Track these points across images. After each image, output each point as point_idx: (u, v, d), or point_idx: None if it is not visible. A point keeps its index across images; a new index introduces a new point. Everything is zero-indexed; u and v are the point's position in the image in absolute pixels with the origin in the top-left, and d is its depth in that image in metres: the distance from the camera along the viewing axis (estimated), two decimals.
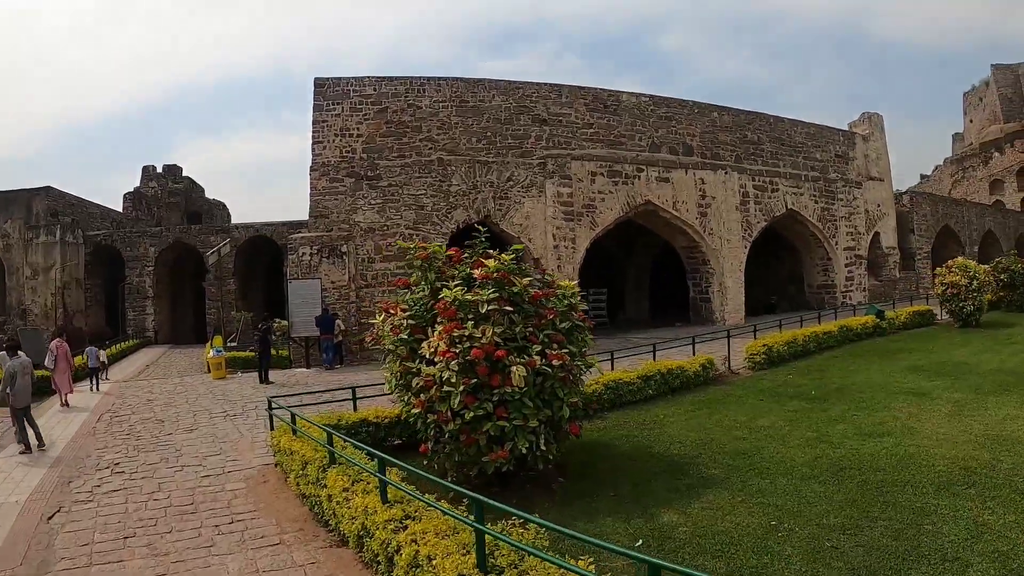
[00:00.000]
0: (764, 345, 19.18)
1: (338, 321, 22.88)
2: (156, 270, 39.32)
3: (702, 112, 32.35)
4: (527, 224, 26.32)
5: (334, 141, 25.18)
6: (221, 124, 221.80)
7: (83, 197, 47.12)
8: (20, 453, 12.45)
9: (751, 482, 9.18)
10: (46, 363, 17.46)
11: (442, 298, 9.40)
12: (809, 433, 11.52)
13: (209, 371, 23.06)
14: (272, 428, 11.68)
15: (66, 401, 17.44)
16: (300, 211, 43.78)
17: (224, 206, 53.48)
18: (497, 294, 9.19)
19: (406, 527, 6.54)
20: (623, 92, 29.97)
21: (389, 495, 7.27)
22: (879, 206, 40.57)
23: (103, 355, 23.36)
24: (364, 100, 25.61)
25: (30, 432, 12.85)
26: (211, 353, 22.51)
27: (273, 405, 12.07)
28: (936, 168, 76.35)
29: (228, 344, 27.75)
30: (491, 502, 5.74)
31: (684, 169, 30.36)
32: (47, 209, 41.74)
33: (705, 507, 8.36)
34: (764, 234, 34.43)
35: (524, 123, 27.13)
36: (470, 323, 9.08)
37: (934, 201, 49.62)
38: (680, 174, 30.13)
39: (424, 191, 25.28)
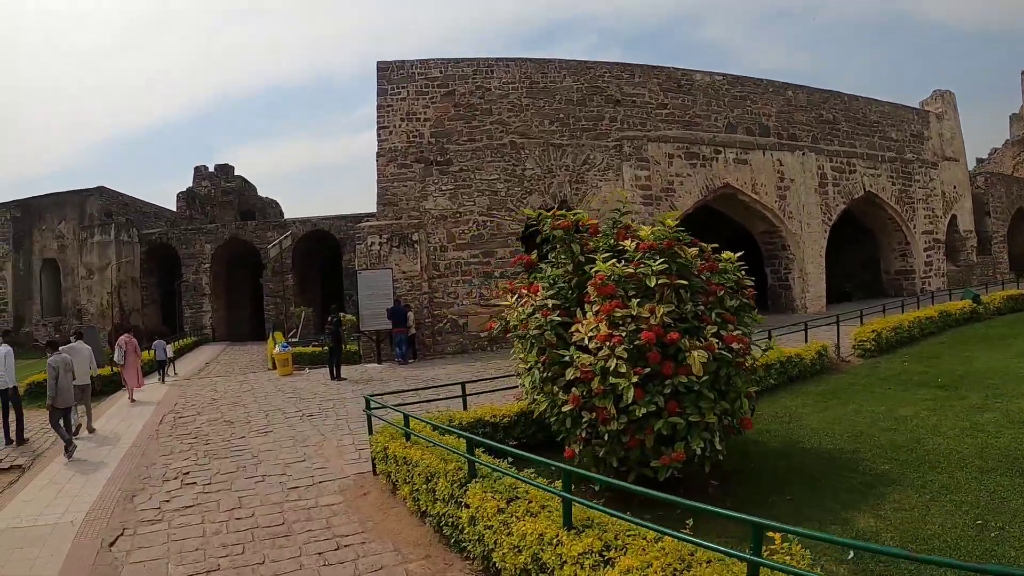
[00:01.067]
0: (873, 331, 17.48)
1: (410, 313, 21.43)
2: (212, 267, 38.30)
3: (777, 91, 30.28)
4: (604, 210, 24.51)
5: (400, 126, 23.67)
6: (265, 130, 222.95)
7: (137, 197, 46.47)
8: (67, 455, 11.43)
9: (928, 477, 8.05)
10: (115, 358, 17.76)
11: (597, 272, 7.80)
12: (960, 423, 10.26)
13: (274, 367, 21.80)
14: (371, 431, 9.85)
15: (133, 396, 17.25)
16: (351, 208, 42.48)
17: (276, 204, 52.43)
18: (666, 266, 7.57)
19: (611, 562, 4.81)
20: (696, 71, 28.02)
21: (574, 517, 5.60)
22: (955, 188, 38.05)
23: (170, 349, 23.44)
24: (430, 83, 24.05)
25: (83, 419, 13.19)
26: (276, 349, 21.16)
27: (372, 404, 10.20)
28: (995, 151, 72.87)
29: (289, 340, 26.52)
30: (772, 523, 4.15)
31: (761, 150, 28.31)
32: (101, 209, 41.04)
33: (896, 508, 7.22)
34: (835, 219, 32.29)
35: (597, 104, 25.37)
36: (634, 301, 7.48)
37: (1008, 182, 46.71)
38: (758, 155, 28.13)
39: (497, 176, 23.68)
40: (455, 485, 6.91)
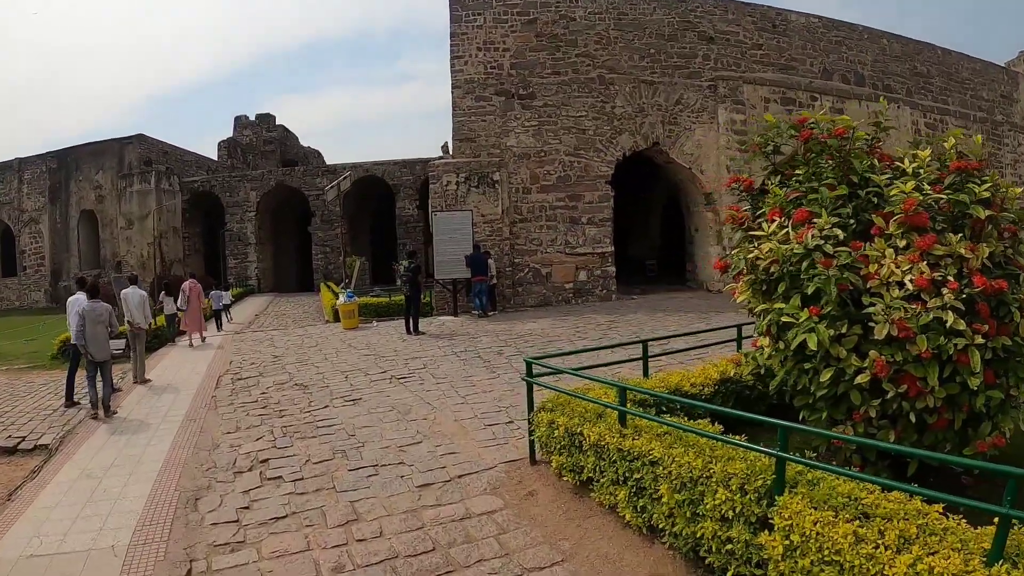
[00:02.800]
0: None
1: (490, 261, 19.01)
2: (258, 216, 35.93)
3: (872, 38, 27.14)
4: (698, 154, 21.93)
5: (476, 56, 20.97)
6: (302, 85, 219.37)
7: (177, 145, 44.19)
8: (92, 418, 9.80)
9: None
10: (178, 304, 17.35)
11: (900, 197, 5.28)
12: None
13: (335, 320, 19.50)
14: (531, 407, 6.94)
15: (192, 342, 16.98)
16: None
17: (319, 154, 49.85)
18: (990, 194, 5.08)
19: None
20: (791, 11, 25.00)
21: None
22: None
23: (227, 296, 24.04)
24: (509, 10, 21.22)
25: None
26: (341, 299, 18.72)
27: (535, 369, 7.13)
28: None
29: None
30: None
31: (857, 100, 25.21)
32: (140, 158, 38.69)
33: None
34: None
35: (690, 40, 22.51)
36: (953, 236, 4.99)
37: None
38: (853, 105, 25.10)
39: (585, 113, 20.99)
40: (750, 497, 4.25)
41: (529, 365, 7.06)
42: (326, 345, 15.29)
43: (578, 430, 6.01)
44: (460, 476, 6.78)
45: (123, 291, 12.48)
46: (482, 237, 19.33)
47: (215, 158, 47.16)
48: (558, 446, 6.36)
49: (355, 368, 12.34)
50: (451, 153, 20.68)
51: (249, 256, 35.87)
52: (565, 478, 6.26)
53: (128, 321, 12.64)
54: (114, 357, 11.08)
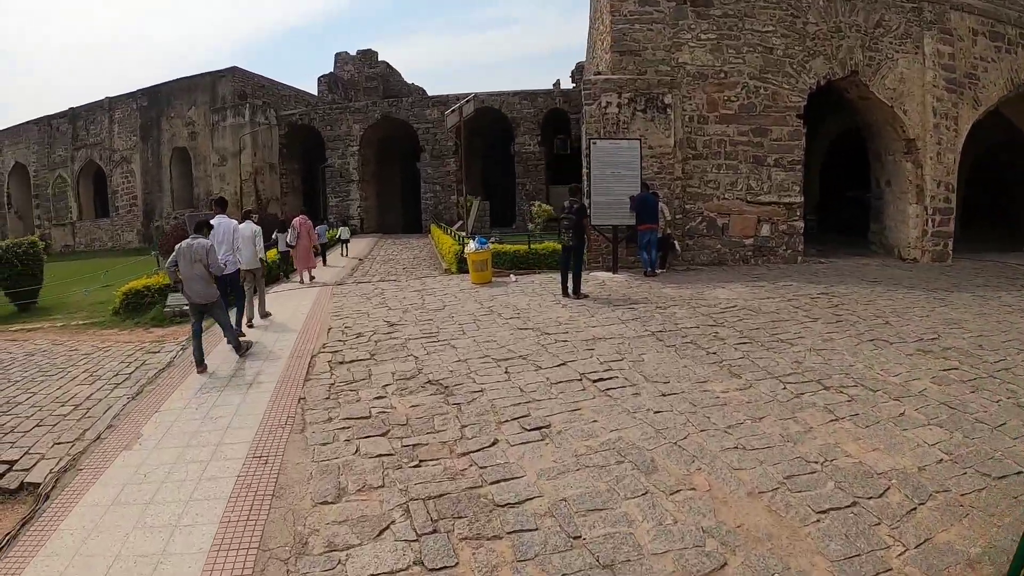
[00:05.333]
0: None
1: (663, 205, 14.33)
2: (361, 151, 32.06)
3: None
4: (901, 90, 16.33)
5: None
6: (401, 29, 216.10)
7: (274, 79, 40.73)
8: (199, 373, 7.97)
9: None
10: (288, 240, 16.77)
11: None
12: None
13: (459, 271, 15.36)
14: None
15: (303, 278, 16.10)
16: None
17: (423, 91, 45.53)
18: None
19: None
20: None
21: None
22: None
23: (347, 231, 24.73)
24: None
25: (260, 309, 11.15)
26: (472, 246, 14.29)
27: None
28: None
29: (456, 234, 20.10)
30: None
31: None
32: (234, 91, 35.46)
33: None
34: None
35: None
36: None
37: None
38: None
39: (772, 28, 15.70)
40: None
41: None
42: (458, 309, 11.01)
43: None
44: None
45: (236, 226, 10.32)
46: (649, 175, 14.62)
47: (315, 93, 43.64)
48: None
49: (514, 354, 7.95)
50: (609, 69, 15.75)
51: (351, 194, 32.17)
52: None
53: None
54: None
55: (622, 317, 9.80)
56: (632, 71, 15.33)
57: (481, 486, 4.64)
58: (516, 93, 28.93)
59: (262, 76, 39.28)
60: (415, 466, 5.01)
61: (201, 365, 8.05)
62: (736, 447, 5.11)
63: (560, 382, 6.81)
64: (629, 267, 14.46)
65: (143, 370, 8.65)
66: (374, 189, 33.87)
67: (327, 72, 44.35)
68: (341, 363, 7.98)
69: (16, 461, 5.78)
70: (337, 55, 45.50)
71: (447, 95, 31.00)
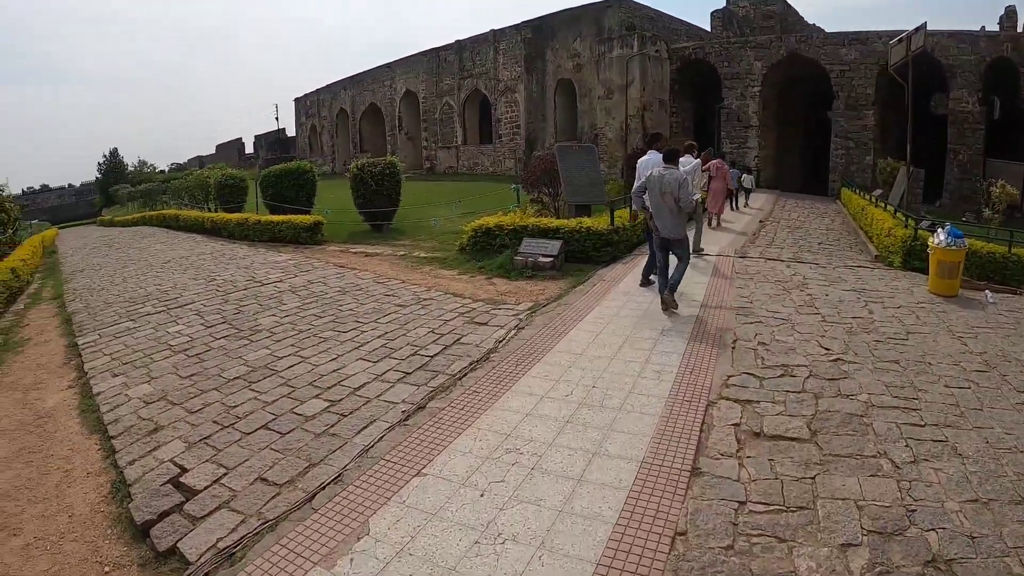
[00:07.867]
0: None
1: None
2: (762, 92, 28.74)
3: None
4: None
5: None
6: None
7: (663, 11, 38.96)
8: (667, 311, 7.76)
9: None
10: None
11: None
12: None
13: (907, 265, 12.16)
14: None
15: (712, 221, 16.30)
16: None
17: (825, 34, 40.58)
18: None
19: None
20: None
21: None
22: None
23: (749, 180, 23.43)
24: None
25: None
26: (940, 238, 10.69)
27: None
28: None
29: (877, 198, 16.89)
30: None
31: None
32: (621, 23, 34.20)
33: None
34: None
35: None
36: None
37: None
38: None
39: None
40: None
41: None
42: (930, 344, 7.06)
43: None
44: None
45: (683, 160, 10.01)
46: None
47: (707, 29, 41.11)
48: None
49: None
50: None
51: (748, 141, 29.37)
52: None
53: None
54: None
55: None
56: None
57: None
58: (952, 34, 23.47)
59: (650, 7, 37.75)
60: None
61: (672, 305, 7.88)
62: None
63: None
64: None
65: (454, 352, 6.92)
66: (772, 138, 30.25)
67: (720, 7, 41.29)
68: (756, 436, 4.86)
69: None
70: None
71: (866, 31, 26.54)
